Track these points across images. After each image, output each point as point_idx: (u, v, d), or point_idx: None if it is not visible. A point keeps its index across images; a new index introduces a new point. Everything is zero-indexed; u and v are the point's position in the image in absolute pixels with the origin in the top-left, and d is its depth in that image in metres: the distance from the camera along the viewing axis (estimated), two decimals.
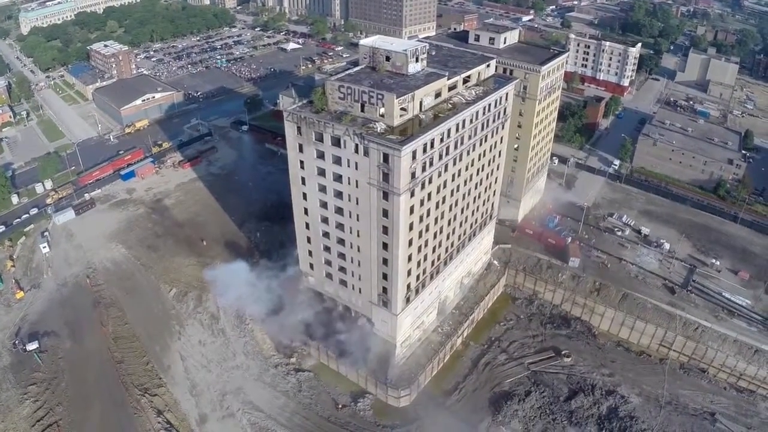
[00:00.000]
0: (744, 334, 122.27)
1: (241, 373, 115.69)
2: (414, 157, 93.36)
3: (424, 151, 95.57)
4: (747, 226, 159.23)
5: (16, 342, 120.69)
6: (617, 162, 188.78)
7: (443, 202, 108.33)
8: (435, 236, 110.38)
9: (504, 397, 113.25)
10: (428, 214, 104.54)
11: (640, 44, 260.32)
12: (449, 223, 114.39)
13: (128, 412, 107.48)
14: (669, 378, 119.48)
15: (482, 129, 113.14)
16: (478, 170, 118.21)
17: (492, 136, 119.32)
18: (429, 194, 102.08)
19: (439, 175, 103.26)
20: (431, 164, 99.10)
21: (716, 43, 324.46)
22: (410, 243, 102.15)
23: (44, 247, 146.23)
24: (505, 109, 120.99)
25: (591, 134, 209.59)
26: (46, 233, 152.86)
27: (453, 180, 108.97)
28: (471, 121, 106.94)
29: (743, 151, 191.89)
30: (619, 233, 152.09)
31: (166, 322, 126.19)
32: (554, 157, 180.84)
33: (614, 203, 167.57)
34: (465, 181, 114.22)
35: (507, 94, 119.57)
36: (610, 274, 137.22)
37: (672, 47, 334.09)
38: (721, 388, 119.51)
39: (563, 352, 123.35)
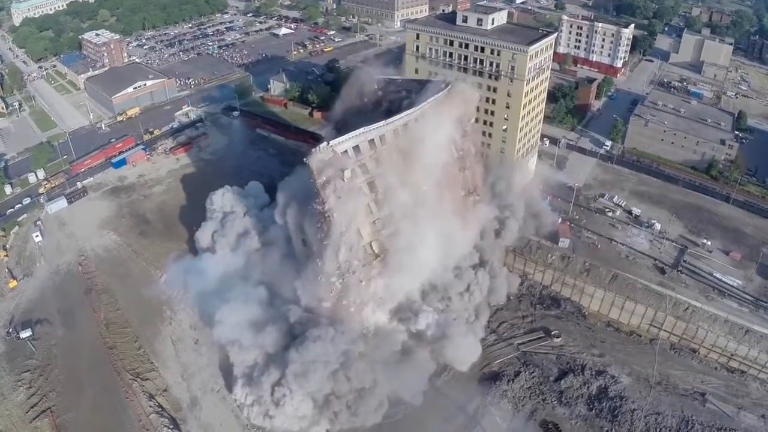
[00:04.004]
0: (735, 315, 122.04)
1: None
2: None
3: None
4: (739, 206, 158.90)
5: (10, 330, 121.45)
6: (609, 143, 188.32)
7: None
8: None
9: (493, 378, 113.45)
10: None
11: (633, 25, 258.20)
12: None
13: (120, 396, 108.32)
14: (659, 358, 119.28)
15: None
16: None
17: None
18: None
19: None
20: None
21: (711, 24, 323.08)
22: None
23: (37, 236, 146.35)
24: None
25: (583, 115, 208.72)
26: (39, 222, 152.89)
27: None
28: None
29: (736, 132, 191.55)
30: (610, 214, 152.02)
31: (157, 307, 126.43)
32: (545, 138, 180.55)
33: (605, 184, 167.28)
34: None
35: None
36: (600, 255, 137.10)
37: (666, 28, 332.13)
38: (712, 368, 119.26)
39: (553, 333, 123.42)
